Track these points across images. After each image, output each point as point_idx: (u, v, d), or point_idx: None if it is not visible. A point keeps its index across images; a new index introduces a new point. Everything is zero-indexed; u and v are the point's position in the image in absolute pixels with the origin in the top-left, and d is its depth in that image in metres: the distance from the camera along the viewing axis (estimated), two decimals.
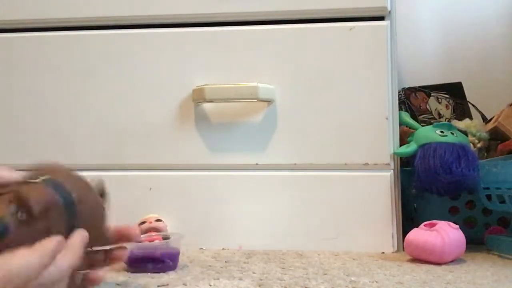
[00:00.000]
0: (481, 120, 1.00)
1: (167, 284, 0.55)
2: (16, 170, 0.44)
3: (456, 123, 0.90)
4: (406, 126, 0.85)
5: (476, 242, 0.76)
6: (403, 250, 0.73)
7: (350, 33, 0.78)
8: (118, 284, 0.56)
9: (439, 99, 1.03)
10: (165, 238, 0.67)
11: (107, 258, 0.51)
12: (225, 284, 0.55)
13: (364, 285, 0.55)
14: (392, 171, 0.78)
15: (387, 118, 0.77)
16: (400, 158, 0.80)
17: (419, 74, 1.17)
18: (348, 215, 0.77)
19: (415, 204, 0.85)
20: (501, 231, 0.79)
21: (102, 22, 0.83)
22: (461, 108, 1.04)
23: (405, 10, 1.16)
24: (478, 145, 0.87)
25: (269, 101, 0.79)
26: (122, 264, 0.63)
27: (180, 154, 0.81)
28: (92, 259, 0.50)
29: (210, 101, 0.78)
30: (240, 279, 0.58)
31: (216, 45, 0.81)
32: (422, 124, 0.87)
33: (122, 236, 0.51)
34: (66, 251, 0.42)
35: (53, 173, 0.44)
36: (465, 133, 0.83)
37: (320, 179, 0.78)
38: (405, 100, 1.00)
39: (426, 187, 0.75)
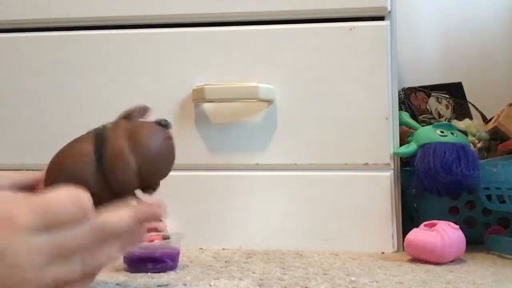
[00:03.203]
0: (481, 120, 1.00)
1: (167, 284, 0.55)
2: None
3: (456, 123, 0.90)
4: (406, 126, 0.85)
5: (476, 242, 0.76)
6: (403, 250, 0.73)
7: (350, 33, 0.78)
8: (118, 284, 0.56)
9: (439, 99, 1.03)
10: (165, 238, 0.67)
11: None
12: (225, 284, 0.55)
13: (364, 285, 0.55)
14: (392, 171, 0.78)
15: (387, 118, 0.77)
16: (400, 158, 0.80)
17: (419, 74, 1.17)
18: (348, 215, 0.77)
19: (415, 204, 0.85)
20: (501, 231, 0.78)
21: (102, 22, 0.83)
22: (461, 108, 1.04)
23: (405, 10, 1.16)
24: (478, 145, 0.87)
25: (269, 101, 0.79)
26: (122, 264, 0.63)
27: (180, 154, 0.81)
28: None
29: (210, 101, 0.78)
30: (240, 279, 0.58)
31: (216, 45, 0.81)
32: (422, 124, 0.87)
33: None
34: None
35: None
36: (465, 133, 0.83)
37: (320, 179, 0.78)
38: (405, 100, 1.00)
39: (426, 187, 0.75)
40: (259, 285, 0.55)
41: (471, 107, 1.05)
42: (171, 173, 0.81)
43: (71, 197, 0.37)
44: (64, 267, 0.36)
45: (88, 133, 0.47)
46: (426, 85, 1.05)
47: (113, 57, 0.82)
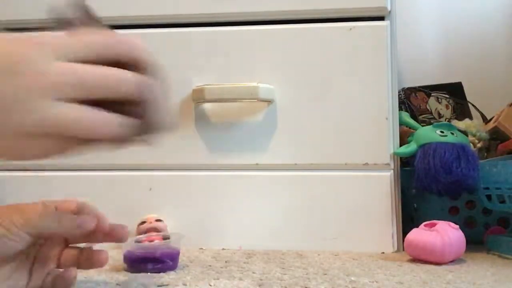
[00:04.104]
0: (481, 120, 1.00)
1: (167, 284, 0.55)
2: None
3: (456, 123, 0.90)
4: (406, 126, 0.85)
5: (476, 242, 0.76)
6: (403, 250, 0.73)
7: (350, 33, 0.78)
8: (118, 284, 0.56)
9: (439, 99, 1.03)
10: (165, 238, 0.67)
11: (88, 259, 0.51)
12: (225, 284, 0.55)
13: (364, 285, 0.55)
14: (392, 171, 0.78)
15: (387, 118, 0.77)
16: (400, 158, 0.80)
17: (419, 74, 1.17)
18: (348, 215, 0.77)
19: (415, 204, 0.85)
20: (501, 231, 0.79)
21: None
22: (461, 108, 1.04)
23: (405, 10, 1.16)
24: (478, 145, 0.87)
25: (269, 101, 0.79)
26: (122, 264, 0.63)
27: (180, 154, 0.81)
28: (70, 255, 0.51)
29: (210, 101, 0.78)
30: (240, 279, 0.58)
31: (216, 45, 0.81)
32: (422, 124, 0.87)
33: (113, 235, 0.51)
34: None
35: None
36: (465, 133, 0.83)
37: (320, 179, 0.78)
38: (405, 100, 1.00)
39: (426, 187, 0.75)
40: (259, 285, 0.55)
41: (471, 107, 1.05)
42: (171, 173, 0.81)
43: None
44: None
45: None
46: (426, 85, 1.05)
47: None
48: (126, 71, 0.39)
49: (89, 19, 0.42)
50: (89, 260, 0.51)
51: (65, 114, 0.36)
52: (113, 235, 0.51)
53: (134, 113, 0.39)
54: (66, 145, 0.38)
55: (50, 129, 0.36)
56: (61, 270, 0.51)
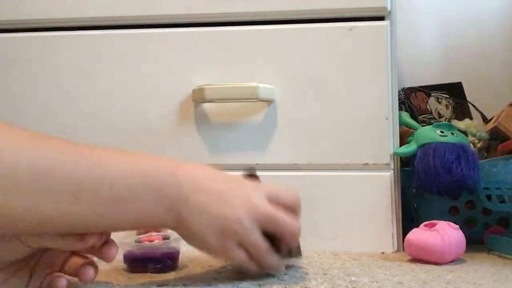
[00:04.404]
0: (481, 120, 1.00)
1: (167, 284, 0.55)
2: None
3: (456, 123, 0.90)
4: (406, 126, 0.85)
5: (476, 242, 0.76)
6: (403, 250, 0.73)
7: (350, 33, 0.78)
8: (118, 284, 0.56)
9: (439, 99, 1.03)
10: (165, 238, 0.67)
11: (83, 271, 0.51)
12: (226, 284, 0.55)
13: (364, 285, 0.55)
14: (392, 171, 0.78)
15: (387, 118, 0.77)
16: (400, 158, 0.80)
17: (419, 74, 1.17)
18: (348, 215, 0.77)
19: (415, 204, 0.85)
20: (501, 231, 0.79)
21: (102, 22, 0.83)
22: (461, 108, 1.04)
23: (405, 10, 1.16)
24: (478, 145, 0.87)
25: (269, 101, 0.79)
26: (122, 264, 0.63)
27: (180, 154, 0.81)
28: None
29: (210, 101, 0.78)
30: (240, 279, 0.57)
31: (216, 45, 0.81)
32: (422, 124, 0.87)
33: (102, 253, 0.51)
34: None
35: None
36: (465, 133, 0.83)
37: (320, 179, 0.78)
38: (405, 100, 1.00)
39: (426, 187, 0.75)
40: (259, 285, 0.55)
41: (471, 107, 1.05)
42: None
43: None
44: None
45: None
46: (426, 85, 1.05)
47: (113, 57, 0.82)
48: (296, 221, 0.54)
49: (256, 176, 0.62)
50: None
51: (260, 243, 0.52)
52: (102, 252, 0.51)
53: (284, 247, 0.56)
54: (235, 254, 0.53)
55: (241, 241, 0.52)
56: (57, 274, 0.51)
